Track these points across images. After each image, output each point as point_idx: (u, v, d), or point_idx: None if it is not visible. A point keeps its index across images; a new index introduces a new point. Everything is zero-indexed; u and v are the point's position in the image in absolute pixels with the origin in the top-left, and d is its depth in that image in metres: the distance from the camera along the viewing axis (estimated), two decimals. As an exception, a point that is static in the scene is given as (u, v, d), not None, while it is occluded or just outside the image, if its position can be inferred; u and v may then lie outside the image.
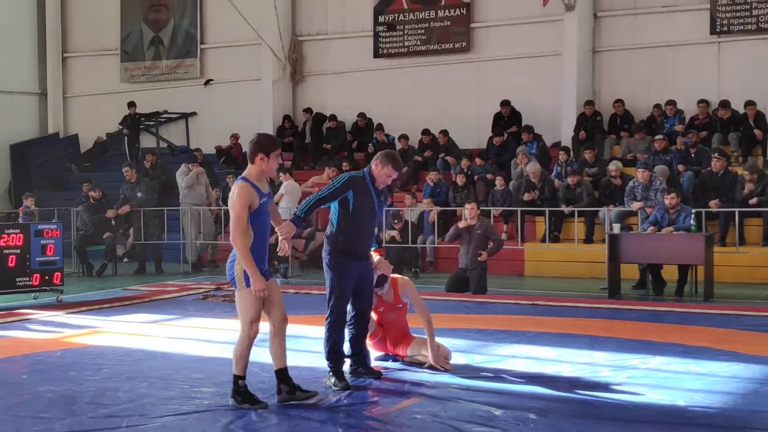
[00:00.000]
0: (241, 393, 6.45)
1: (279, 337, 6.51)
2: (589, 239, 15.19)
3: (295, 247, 14.89)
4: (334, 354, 7.09)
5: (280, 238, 6.84)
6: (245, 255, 6.25)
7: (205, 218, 17.02)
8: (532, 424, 6.07)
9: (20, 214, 16.09)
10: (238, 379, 6.46)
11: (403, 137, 18.98)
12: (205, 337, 9.53)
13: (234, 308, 11.05)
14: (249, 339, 6.41)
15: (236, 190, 6.30)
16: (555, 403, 6.62)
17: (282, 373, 6.56)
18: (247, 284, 6.31)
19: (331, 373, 7.06)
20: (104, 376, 7.62)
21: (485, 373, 7.54)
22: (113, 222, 16.36)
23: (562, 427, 6.02)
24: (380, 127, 19.33)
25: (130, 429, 5.99)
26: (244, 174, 6.43)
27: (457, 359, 8.03)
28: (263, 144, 6.43)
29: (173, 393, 6.96)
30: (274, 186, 15.34)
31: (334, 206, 7.07)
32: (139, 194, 16.72)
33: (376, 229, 7.23)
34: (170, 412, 6.38)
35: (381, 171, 7.05)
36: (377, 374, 7.35)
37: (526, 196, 15.84)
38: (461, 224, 12.37)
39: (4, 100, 22.56)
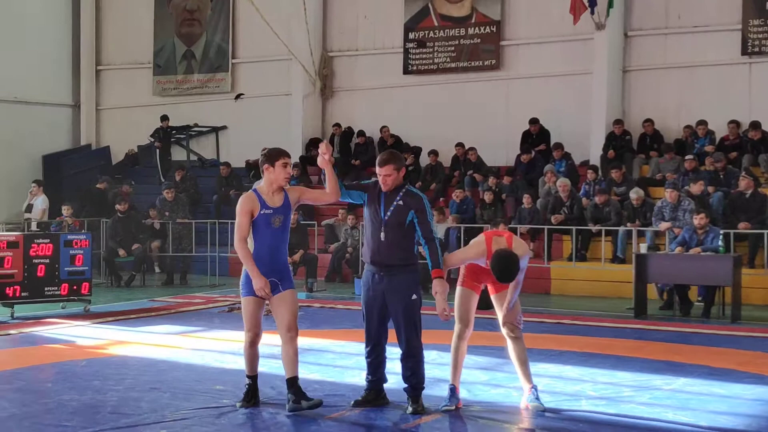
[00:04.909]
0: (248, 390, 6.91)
1: (285, 347, 6.68)
2: (616, 259, 15.11)
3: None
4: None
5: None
6: (243, 258, 6.58)
7: None
8: (551, 442, 6.06)
9: (61, 222, 16.24)
10: (248, 377, 6.92)
11: (431, 153, 19.02)
12: (229, 349, 9.55)
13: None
14: (246, 343, 6.79)
15: (240, 198, 6.74)
16: (576, 422, 6.59)
17: (291, 382, 6.67)
18: (243, 293, 6.71)
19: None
20: (127, 386, 7.68)
21: (506, 391, 7.52)
22: (141, 235, 16.55)
23: (582, 446, 6.00)
24: (406, 146, 19.46)
25: (151, 439, 6.05)
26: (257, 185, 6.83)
27: (479, 376, 8.04)
28: (267, 155, 6.73)
29: (195, 404, 7.00)
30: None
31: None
32: (180, 214, 17.06)
33: (383, 235, 6.66)
34: (192, 424, 6.43)
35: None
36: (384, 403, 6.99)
37: (554, 219, 15.76)
38: None
39: (39, 111, 22.84)
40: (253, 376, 6.89)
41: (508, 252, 6.63)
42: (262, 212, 6.56)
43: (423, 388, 6.85)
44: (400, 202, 6.72)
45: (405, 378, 6.81)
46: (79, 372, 8.37)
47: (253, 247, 6.65)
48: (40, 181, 17.74)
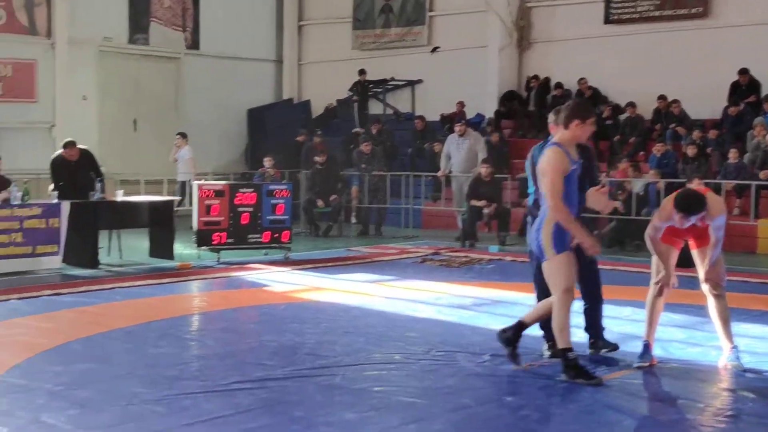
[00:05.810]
0: (572, 366, 6.21)
1: (545, 301, 6.51)
2: (831, 217, 14.22)
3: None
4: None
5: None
6: (567, 221, 6.14)
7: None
8: (750, 402, 5.81)
9: (263, 173, 16.91)
10: (566, 352, 6.23)
11: (630, 105, 18.44)
12: (420, 298, 9.71)
13: (450, 272, 11.20)
14: (565, 308, 6.18)
15: (549, 154, 6.26)
16: (779, 385, 6.30)
17: (518, 325, 6.52)
18: (557, 251, 6.18)
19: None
20: (323, 330, 7.96)
21: (704, 350, 7.26)
22: (340, 185, 17.01)
23: (785, 409, 5.72)
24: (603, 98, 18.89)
25: (346, 380, 6.23)
26: (555, 139, 6.39)
27: (675, 334, 7.81)
28: (580, 110, 6.39)
29: (387, 349, 7.17)
30: None
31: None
32: (377, 167, 17.36)
33: (581, 194, 6.58)
34: (384, 368, 6.59)
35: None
36: (614, 347, 7.07)
37: (762, 175, 14.93)
38: None
39: (245, 66, 23.74)
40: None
41: (695, 191, 6.47)
42: (572, 168, 6.24)
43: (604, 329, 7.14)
44: (580, 160, 6.60)
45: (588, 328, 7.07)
46: (278, 315, 8.75)
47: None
48: (184, 134, 18.34)
